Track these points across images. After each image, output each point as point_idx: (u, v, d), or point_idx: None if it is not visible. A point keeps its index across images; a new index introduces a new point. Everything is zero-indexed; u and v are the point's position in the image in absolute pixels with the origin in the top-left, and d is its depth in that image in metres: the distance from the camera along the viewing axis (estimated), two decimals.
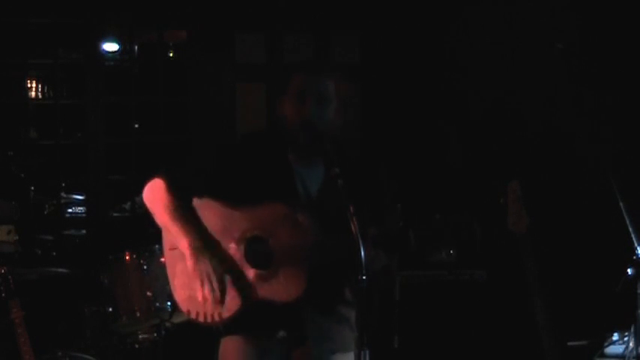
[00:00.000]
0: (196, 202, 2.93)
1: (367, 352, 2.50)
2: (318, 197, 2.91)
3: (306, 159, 2.93)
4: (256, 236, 2.86)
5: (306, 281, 2.80)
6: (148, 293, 4.28)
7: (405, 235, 2.79)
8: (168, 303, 4.23)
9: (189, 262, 2.83)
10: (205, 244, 2.85)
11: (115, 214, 6.42)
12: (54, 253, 6.15)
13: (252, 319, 2.88)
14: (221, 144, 3.12)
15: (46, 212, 6.62)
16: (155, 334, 4.43)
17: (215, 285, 2.81)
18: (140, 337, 4.47)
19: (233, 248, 2.87)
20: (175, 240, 2.89)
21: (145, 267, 4.33)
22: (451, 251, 5.01)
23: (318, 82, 2.86)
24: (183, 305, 2.94)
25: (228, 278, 2.85)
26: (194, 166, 3.04)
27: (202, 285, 2.82)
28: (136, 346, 4.49)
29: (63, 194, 6.52)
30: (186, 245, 2.84)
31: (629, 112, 5.04)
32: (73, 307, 4.76)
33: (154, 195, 2.94)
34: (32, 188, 6.41)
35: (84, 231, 6.37)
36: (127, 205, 6.41)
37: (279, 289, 2.82)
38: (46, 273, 4.64)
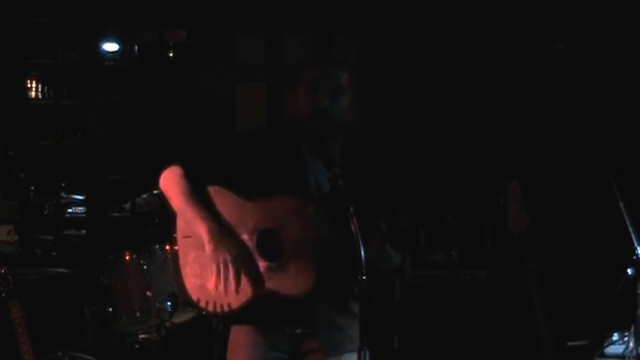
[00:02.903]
0: (212, 191, 2.92)
1: (367, 352, 2.50)
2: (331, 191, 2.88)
3: (318, 151, 2.90)
4: (269, 228, 2.84)
5: (316, 275, 2.78)
6: (148, 293, 4.28)
7: (416, 234, 2.77)
8: (168, 303, 4.23)
9: (208, 247, 2.81)
10: (223, 230, 2.84)
11: (115, 214, 6.41)
12: (54, 253, 6.16)
13: (261, 310, 2.87)
14: (232, 135, 3.12)
15: (46, 212, 6.62)
16: (155, 334, 4.43)
17: (232, 275, 2.79)
18: (140, 337, 4.47)
19: (246, 239, 2.86)
20: (192, 226, 2.88)
21: (145, 267, 4.33)
22: (452, 253, 5.02)
23: (331, 73, 2.86)
24: (193, 294, 2.92)
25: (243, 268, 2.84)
26: (207, 155, 3.03)
27: (218, 273, 2.80)
28: (136, 346, 4.49)
29: (63, 194, 6.52)
30: (205, 230, 2.83)
31: (629, 111, 5.04)
32: (73, 307, 4.75)
33: (171, 181, 2.94)
34: (32, 188, 6.41)
35: (84, 231, 6.38)
36: (127, 205, 6.41)
37: (289, 282, 2.81)
38: (46, 273, 4.64)
